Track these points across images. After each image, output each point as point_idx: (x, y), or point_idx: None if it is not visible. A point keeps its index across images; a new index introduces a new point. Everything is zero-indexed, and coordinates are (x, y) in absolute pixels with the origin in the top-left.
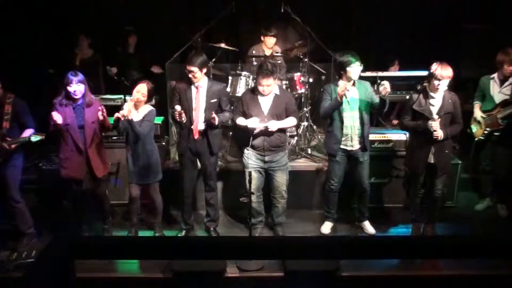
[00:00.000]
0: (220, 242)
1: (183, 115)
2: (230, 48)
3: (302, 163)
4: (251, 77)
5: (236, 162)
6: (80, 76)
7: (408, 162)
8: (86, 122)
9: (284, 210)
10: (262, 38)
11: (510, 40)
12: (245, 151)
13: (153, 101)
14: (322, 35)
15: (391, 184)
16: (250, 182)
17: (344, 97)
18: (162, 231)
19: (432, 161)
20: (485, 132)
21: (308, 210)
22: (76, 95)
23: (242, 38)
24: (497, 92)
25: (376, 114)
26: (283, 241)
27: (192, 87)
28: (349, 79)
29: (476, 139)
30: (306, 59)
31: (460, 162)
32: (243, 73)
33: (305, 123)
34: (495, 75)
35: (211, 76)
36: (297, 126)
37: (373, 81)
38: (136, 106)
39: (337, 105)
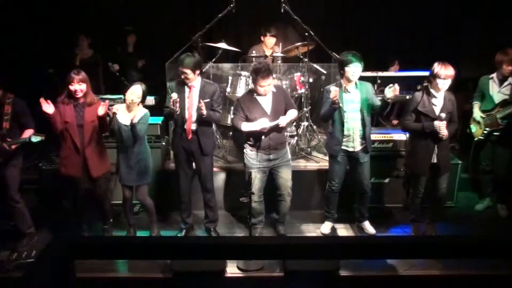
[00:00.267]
0: (220, 242)
1: (178, 104)
2: (230, 48)
3: (302, 163)
4: (251, 77)
5: (236, 162)
6: (82, 75)
7: (411, 164)
8: (85, 121)
9: (288, 208)
10: (262, 38)
11: (510, 40)
12: (248, 151)
13: (153, 101)
14: (322, 35)
15: (391, 184)
16: (250, 183)
17: (340, 101)
18: (158, 231)
19: (435, 161)
20: (485, 132)
21: (308, 210)
22: (77, 94)
23: (242, 38)
24: (496, 92)
25: (376, 115)
26: (283, 241)
27: (185, 87)
28: (348, 79)
29: (475, 139)
30: (306, 59)
31: (460, 162)
32: (243, 73)
33: (305, 123)
34: (494, 75)
35: (211, 76)
36: (297, 126)
37: (373, 81)
38: (130, 108)
39: (333, 111)
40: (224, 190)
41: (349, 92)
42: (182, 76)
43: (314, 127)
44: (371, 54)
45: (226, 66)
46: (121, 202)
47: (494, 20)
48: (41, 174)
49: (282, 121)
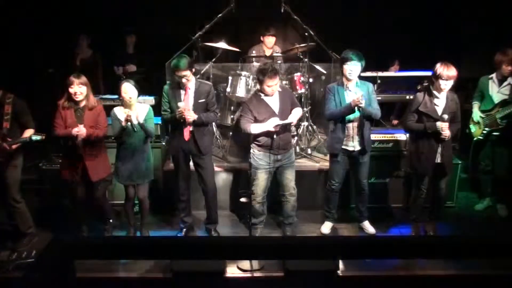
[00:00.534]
0: (220, 242)
1: (185, 111)
2: (230, 48)
3: (302, 163)
4: (251, 77)
5: (236, 162)
6: (82, 78)
7: (415, 164)
8: (85, 126)
9: (294, 208)
10: (261, 38)
11: (510, 40)
12: (256, 151)
13: (153, 101)
14: (322, 35)
15: (391, 184)
16: (253, 183)
17: (342, 100)
18: (147, 232)
19: (439, 161)
20: (484, 132)
21: (308, 210)
22: (77, 97)
23: (242, 38)
24: (495, 92)
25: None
26: (283, 241)
27: (181, 89)
28: (346, 78)
29: (474, 138)
30: (306, 59)
31: (460, 162)
32: (243, 73)
33: (305, 123)
34: (493, 75)
35: (211, 76)
36: (297, 126)
37: (373, 81)
38: (130, 107)
39: (349, 113)
40: (224, 190)
41: (350, 91)
42: (183, 80)
43: (314, 127)
44: (371, 54)
45: (226, 66)
46: (121, 202)
47: (494, 20)
48: (41, 174)
49: (293, 118)
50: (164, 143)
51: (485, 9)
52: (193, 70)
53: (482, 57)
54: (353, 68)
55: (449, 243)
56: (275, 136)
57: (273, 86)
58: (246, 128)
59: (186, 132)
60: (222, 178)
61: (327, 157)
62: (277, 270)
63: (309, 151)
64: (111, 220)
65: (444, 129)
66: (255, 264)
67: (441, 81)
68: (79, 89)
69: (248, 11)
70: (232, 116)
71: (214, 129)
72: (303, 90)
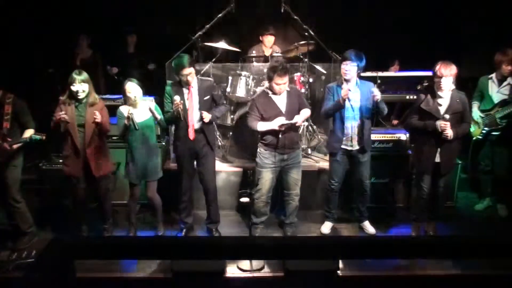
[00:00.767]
0: (220, 242)
1: (181, 106)
2: (230, 48)
3: (302, 163)
4: (251, 77)
5: (236, 162)
6: (84, 76)
7: (415, 162)
8: (87, 122)
9: (297, 208)
10: (260, 37)
11: (510, 40)
12: (262, 150)
13: (153, 101)
14: (322, 35)
15: (391, 184)
16: (253, 182)
17: (347, 99)
18: (164, 230)
19: (439, 160)
20: (483, 131)
21: (308, 210)
22: (79, 95)
23: (242, 38)
24: (495, 92)
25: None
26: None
27: (183, 88)
28: (343, 78)
29: (474, 138)
30: (306, 59)
31: (460, 162)
32: (243, 73)
33: (305, 123)
34: (493, 75)
35: (211, 76)
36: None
37: (373, 81)
38: (135, 105)
39: (339, 108)
40: (224, 190)
41: (350, 90)
42: (189, 78)
43: (314, 127)
44: (371, 54)
45: (226, 66)
46: (121, 202)
47: (494, 20)
48: (41, 174)
49: (299, 119)
50: (164, 143)
51: (485, 9)
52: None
53: (482, 57)
54: (349, 68)
55: (449, 243)
56: (280, 136)
57: (282, 84)
58: (253, 125)
59: (191, 131)
60: (222, 178)
61: (327, 157)
62: (277, 270)
63: (309, 151)
64: (111, 220)
65: (444, 128)
66: (255, 264)
67: (437, 79)
68: (81, 87)
69: (248, 11)
70: (232, 116)
71: (215, 128)
72: (303, 90)
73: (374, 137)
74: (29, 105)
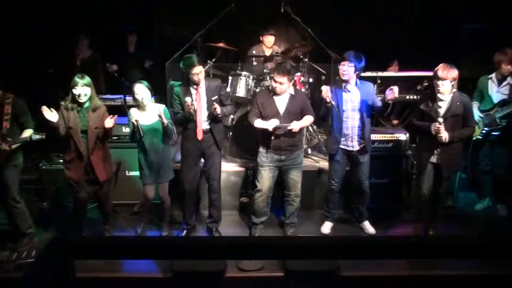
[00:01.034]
0: (220, 242)
1: (193, 107)
2: (230, 48)
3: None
4: (251, 77)
5: (236, 162)
6: (87, 80)
7: (415, 162)
8: (89, 127)
9: (298, 209)
10: (260, 38)
11: (510, 40)
12: (261, 149)
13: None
14: (322, 34)
15: (391, 184)
16: (253, 182)
17: (339, 100)
18: (170, 231)
19: (436, 161)
20: (483, 131)
21: (308, 210)
22: (81, 99)
23: (242, 38)
24: (495, 91)
25: (377, 115)
26: (283, 241)
27: (191, 88)
28: (341, 78)
29: (474, 138)
30: (306, 59)
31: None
32: (243, 73)
33: None
34: (493, 75)
35: (211, 76)
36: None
37: (373, 81)
38: (144, 108)
39: (326, 109)
40: (224, 190)
41: (349, 91)
42: (199, 76)
43: (314, 127)
44: (371, 54)
45: (226, 66)
46: (121, 202)
47: (494, 20)
48: (41, 174)
49: (295, 125)
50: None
51: (485, 9)
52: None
53: (482, 57)
54: (346, 68)
55: (449, 243)
56: (273, 137)
57: (278, 83)
58: (251, 120)
59: (199, 132)
60: (222, 178)
61: (327, 157)
62: (277, 270)
63: (309, 151)
64: (111, 220)
65: (437, 131)
66: (255, 264)
67: (435, 81)
68: (83, 90)
69: (248, 11)
70: (232, 116)
71: None
72: (303, 90)
73: (374, 137)
74: (29, 105)
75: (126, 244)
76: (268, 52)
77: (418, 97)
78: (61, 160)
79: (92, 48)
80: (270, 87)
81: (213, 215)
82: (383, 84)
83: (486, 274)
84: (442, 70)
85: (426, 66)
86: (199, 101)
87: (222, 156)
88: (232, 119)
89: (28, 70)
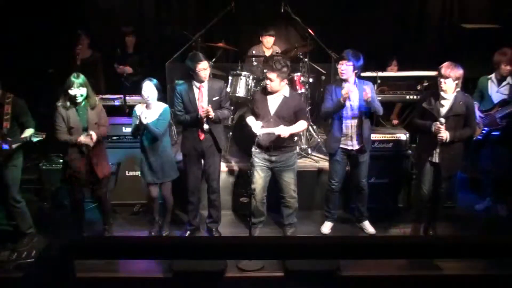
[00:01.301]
0: (220, 242)
1: (210, 111)
2: (230, 48)
3: (302, 163)
4: (251, 77)
5: (236, 162)
6: (82, 79)
7: (416, 162)
8: (89, 124)
9: (295, 210)
10: (260, 38)
11: (510, 40)
12: (253, 149)
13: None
14: (322, 34)
15: (391, 184)
16: (251, 182)
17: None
18: (171, 230)
19: (436, 161)
20: (483, 131)
21: (308, 210)
22: (77, 99)
23: (242, 38)
24: (495, 92)
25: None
26: (283, 241)
27: (194, 87)
28: (340, 77)
29: (474, 138)
30: (306, 59)
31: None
32: (243, 73)
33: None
34: (493, 75)
35: (211, 76)
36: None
37: (373, 81)
38: (148, 106)
39: (340, 108)
40: (224, 190)
41: (351, 91)
42: (205, 72)
43: (314, 127)
44: (371, 54)
45: (226, 66)
46: (121, 202)
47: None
48: (41, 174)
49: (282, 131)
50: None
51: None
52: None
53: (482, 57)
54: (344, 68)
55: (449, 243)
56: (261, 137)
57: (269, 80)
58: (245, 116)
59: (202, 131)
60: (222, 178)
61: (327, 157)
62: (277, 270)
63: (309, 151)
64: (111, 220)
65: (438, 131)
66: (255, 264)
67: (440, 80)
68: (79, 91)
69: (248, 11)
70: (232, 116)
71: None
72: (303, 90)
73: (374, 137)
74: (29, 105)
75: (126, 244)
76: (268, 53)
77: (418, 97)
78: (61, 160)
79: (92, 48)
80: (265, 87)
81: (212, 215)
82: (383, 84)
83: (486, 274)
84: (446, 68)
85: (426, 66)
86: (201, 101)
87: (222, 156)
88: (232, 119)
89: (28, 70)
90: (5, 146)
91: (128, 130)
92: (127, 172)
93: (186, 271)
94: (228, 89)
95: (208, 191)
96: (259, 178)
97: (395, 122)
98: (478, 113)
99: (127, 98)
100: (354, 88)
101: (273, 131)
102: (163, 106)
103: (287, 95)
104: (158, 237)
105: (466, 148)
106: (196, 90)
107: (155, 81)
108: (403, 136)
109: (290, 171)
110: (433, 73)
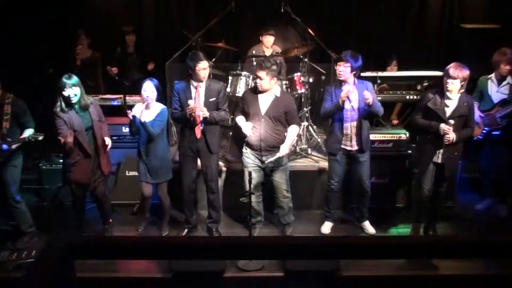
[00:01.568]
0: (220, 242)
1: (195, 110)
2: (230, 48)
3: (302, 163)
4: (251, 77)
5: (236, 162)
6: (75, 79)
7: (416, 162)
8: (93, 122)
9: (290, 209)
10: (260, 38)
11: (510, 40)
12: (244, 149)
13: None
14: (322, 34)
15: (391, 184)
16: (250, 182)
17: (346, 100)
18: (170, 230)
19: (439, 161)
20: (483, 131)
21: (308, 210)
22: (71, 99)
23: (242, 38)
24: (494, 91)
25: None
26: (283, 241)
27: (191, 87)
28: (339, 78)
29: (474, 138)
30: (306, 59)
31: (460, 162)
32: (243, 73)
33: (305, 123)
34: (492, 75)
35: (211, 76)
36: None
37: (373, 81)
38: (148, 105)
39: (338, 109)
40: (224, 190)
41: (350, 92)
42: (205, 72)
43: (314, 127)
44: (371, 54)
45: (226, 66)
46: (121, 202)
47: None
48: (41, 174)
49: (284, 150)
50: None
51: (485, 9)
52: None
53: (482, 57)
54: (342, 69)
55: (449, 243)
56: (250, 136)
57: (258, 79)
58: (235, 115)
59: (198, 131)
60: (222, 178)
61: (327, 157)
62: (277, 270)
63: (309, 151)
64: (111, 220)
65: (447, 132)
66: (255, 264)
67: (445, 79)
68: (72, 91)
69: (248, 11)
70: (232, 116)
71: None
72: (303, 90)
73: (374, 137)
74: (29, 105)
75: (126, 244)
76: (268, 52)
77: (419, 97)
78: (61, 160)
79: (92, 48)
80: (255, 86)
81: (212, 216)
82: (383, 83)
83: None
84: (454, 69)
85: (426, 66)
86: (197, 101)
87: (222, 156)
88: (232, 119)
89: (28, 70)
90: (5, 147)
91: (128, 130)
92: (127, 172)
93: (186, 271)
94: (228, 89)
95: (207, 192)
96: (252, 179)
97: (395, 122)
98: (478, 113)
99: (127, 98)
100: (354, 89)
101: (278, 156)
102: (161, 107)
103: (278, 94)
104: (158, 237)
105: (466, 148)
106: (193, 90)
107: (155, 81)
108: (403, 136)
109: (281, 171)
110: (433, 73)
